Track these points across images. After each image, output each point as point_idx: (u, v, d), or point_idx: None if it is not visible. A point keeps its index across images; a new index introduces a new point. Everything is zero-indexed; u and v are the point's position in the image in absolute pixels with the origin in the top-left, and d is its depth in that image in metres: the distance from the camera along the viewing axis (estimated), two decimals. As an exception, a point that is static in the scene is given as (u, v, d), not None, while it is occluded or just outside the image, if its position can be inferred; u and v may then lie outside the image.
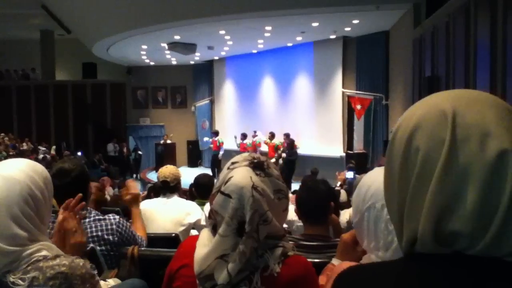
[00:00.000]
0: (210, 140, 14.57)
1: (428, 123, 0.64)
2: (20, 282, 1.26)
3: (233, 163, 1.27)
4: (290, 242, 1.31)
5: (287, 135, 12.57)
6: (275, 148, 12.71)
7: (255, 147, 13.16)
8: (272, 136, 13.01)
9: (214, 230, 1.22)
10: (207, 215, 3.28)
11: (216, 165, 13.90)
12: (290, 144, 12.09)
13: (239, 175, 1.20)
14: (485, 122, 0.61)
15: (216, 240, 1.17)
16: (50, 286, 1.27)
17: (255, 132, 13.64)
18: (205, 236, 1.24)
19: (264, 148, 13.15)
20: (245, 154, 1.30)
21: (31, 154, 14.22)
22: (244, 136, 13.47)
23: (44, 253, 1.32)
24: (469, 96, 0.66)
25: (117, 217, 2.39)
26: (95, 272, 1.42)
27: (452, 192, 0.61)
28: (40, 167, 1.43)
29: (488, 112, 0.62)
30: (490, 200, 0.59)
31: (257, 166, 1.24)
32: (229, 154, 13.95)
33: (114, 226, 2.32)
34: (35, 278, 1.26)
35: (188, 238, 1.43)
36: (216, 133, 14.48)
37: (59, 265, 1.30)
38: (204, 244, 1.21)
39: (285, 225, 3.19)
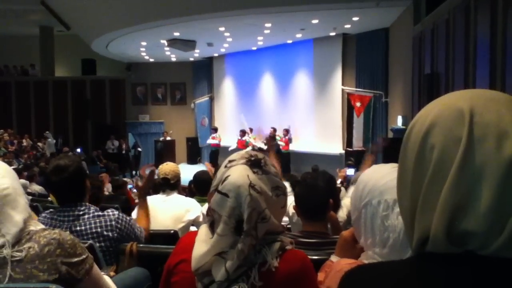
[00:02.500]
0: (210, 137, 14.63)
1: (444, 121, 0.64)
2: (17, 253, 1.38)
3: (230, 161, 1.26)
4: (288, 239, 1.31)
5: (287, 130, 12.64)
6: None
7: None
8: (274, 131, 13.00)
9: (211, 228, 1.22)
10: (205, 214, 3.28)
11: (214, 160, 14.01)
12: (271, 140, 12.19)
13: (236, 173, 1.20)
14: (502, 122, 0.61)
15: (215, 239, 1.17)
16: (46, 251, 1.40)
17: (251, 129, 13.68)
18: (204, 232, 1.24)
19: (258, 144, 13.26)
20: (242, 152, 1.30)
21: (30, 150, 14.23)
22: (243, 133, 13.47)
23: (32, 228, 1.46)
24: (487, 95, 0.65)
25: (116, 212, 2.39)
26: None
27: (467, 191, 0.60)
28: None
29: (506, 112, 0.62)
30: (505, 200, 0.58)
31: (254, 163, 1.23)
32: (226, 151, 14.04)
33: (113, 222, 2.32)
34: (30, 248, 1.39)
35: (187, 233, 1.44)
36: (215, 130, 14.60)
37: (49, 233, 1.45)
38: (203, 240, 1.21)
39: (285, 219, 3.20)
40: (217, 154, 14.27)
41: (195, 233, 1.29)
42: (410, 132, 0.69)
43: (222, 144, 14.46)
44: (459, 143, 0.61)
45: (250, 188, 1.17)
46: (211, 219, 1.24)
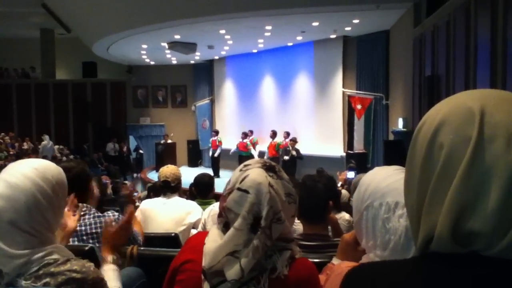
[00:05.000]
0: (210, 140, 14.59)
1: (454, 120, 0.64)
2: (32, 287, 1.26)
3: (245, 165, 1.30)
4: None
5: (287, 133, 12.60)
6: (277, 147, 12.69)
7: (254, 145, 13.24)
8: (274, 134, 12.98)
9: (225, 228, 1.23)
10: (206, 218, 3.27)
11: (215, 163, 13.98)
12: (295, 142, 12.16)
13: (255, 173, 1.24)
14: None
15: (230, 234, 1.18)
16: None
17: (251, 132, 13.65)
18: (216, 233, 1.25)
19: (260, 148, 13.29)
20: (257, 158, 1.35)
21: (31, 154, 14.24)
22: (245, 135, 13.45)
23: (55, 256, 1.32)
24: (498, 95, 0.65)
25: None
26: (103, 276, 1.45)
27: (474, 191, 0.60)
28: (50, 172, 1.39)
29: None
30: None
31: (269, 168, 1.27)
32: (228, 153, 14.03)
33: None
34: (46, 283, 1.27)
35: (197, 233, 1.45)
36: (216, 132, 14.57)
37: (70, 270, 1.30)
38: (215, 240, 1.22)
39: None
40: (218, 157, 14.28)
41: (205, 233, 1.30)
42: (419, 130, 0.69)
43: (223, 147, 14.44)
44: (469, 142, 0.61)
45: (270, 187, 1.20)
46: (224, 220, 1.25)
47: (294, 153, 12.07)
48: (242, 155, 12.78)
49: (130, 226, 1.83)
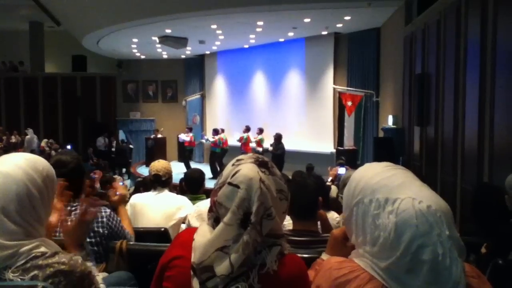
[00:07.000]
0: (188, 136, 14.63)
1: None
2: (19, 280, 1.25)
3: (238, 160, 1.30)
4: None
5: (260, 130, 12.62)
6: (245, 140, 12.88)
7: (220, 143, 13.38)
8: (247, 129, 13.07)
9: (215, 223, 1.23)
10: (189, 218, 3.26)
11: (186, 158, 14.29)
12: (277, 139, 12.10)
13: (247, 168, 1.23)
14: None
15: (220, 228, 1.17)
16: (50, 283, 1.26)
17: (222, 130, 13.70)
18: (205, 229, 1.25)
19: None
20: (249, 154, 1.34)
21: (19, 147, 14.10)
22: (215, 132, 13.45)
23: (42, 249, 1.31)
24: None
25: (108, 210, 2.40)
26: (92, 268, 1.43)
27: None
28: (41, 164, 1.39)
29: None
30: None
31: (262, 164, 1.27)
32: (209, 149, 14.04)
33: (104, 219, 2.33)
34: (34, 275, 1.26)
35: (186, 229, 1.44)
36: (190, 129, 14.89)
37: (58, 262, 1.29)
38: (204, 235, 1.21)
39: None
40: (190, 153, 14.59)
41: (194, 229, 1.29)
42: None
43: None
44: None
45: (261, 183, 1.20)
46: (215, 215, 1.25)
47: (270, 148, 12.18)
48: (213, 151, 13.15)
49: (86, 223, 1.72)
